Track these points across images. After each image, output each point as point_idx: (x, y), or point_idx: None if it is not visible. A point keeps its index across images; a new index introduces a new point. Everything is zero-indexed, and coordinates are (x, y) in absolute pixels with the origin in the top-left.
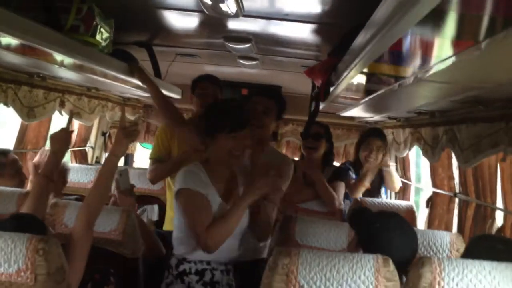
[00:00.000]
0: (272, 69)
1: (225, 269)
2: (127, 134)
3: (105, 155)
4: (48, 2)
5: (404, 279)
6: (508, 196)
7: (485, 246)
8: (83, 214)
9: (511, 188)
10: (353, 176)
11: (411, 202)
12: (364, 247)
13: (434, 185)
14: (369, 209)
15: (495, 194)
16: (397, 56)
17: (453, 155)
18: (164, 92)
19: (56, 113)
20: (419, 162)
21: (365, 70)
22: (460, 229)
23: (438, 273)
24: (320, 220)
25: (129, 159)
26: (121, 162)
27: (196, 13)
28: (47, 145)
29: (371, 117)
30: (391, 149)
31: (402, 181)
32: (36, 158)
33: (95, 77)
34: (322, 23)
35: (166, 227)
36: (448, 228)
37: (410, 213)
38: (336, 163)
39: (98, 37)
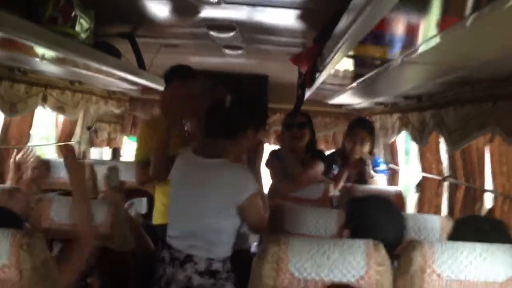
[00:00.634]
0: (258, 58)
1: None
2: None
3: (92, 150)
4: None
5: (395, 263)
6: (497, 178)
7: (472, 227)
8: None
9: (500, 169)
10: (335, 168)
11: (399, 187)
12: (351, 229)
13: (423, 169)
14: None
15: (483, 176)
16: (381, 38)
17: (441, 139)
18: (149, 84)
19: (39, 107)
20: (408, 149)
21: (350, 54)
22: (450, 213)
23: (429, 257)
24: (309, 207)
25: (116, 153)
26: (108, 156)
27: (178, 1)
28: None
29: (359, 103)
30: (379, 136)
31: (391, 167)
32: (19, 156)
33: (77, 70)
34: (306, 8)
35: (156, 220)
36: (437, 212)
37: (399, 198)
38: (327, 151)
39: (77, 28)
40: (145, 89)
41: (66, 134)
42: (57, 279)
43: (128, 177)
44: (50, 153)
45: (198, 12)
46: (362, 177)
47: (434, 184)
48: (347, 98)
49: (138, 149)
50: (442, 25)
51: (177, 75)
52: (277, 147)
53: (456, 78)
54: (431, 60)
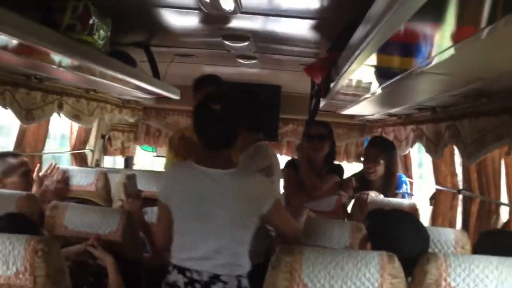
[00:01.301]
0: (271, 68)
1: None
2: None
3: (104, 158)
4: (43, 1)
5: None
6: None
7: (493, 241)
8: None
9: None
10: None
11: (414, 200)
12: (374, 242)
13: (437, 182)
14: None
15: (499, 189)
16: (397, 49)
17: (455, 151)
18: (163, 93)
19: (55, 115)
20: (421, 162)
21: (365, 64)
22: (465, 226)
23: (444, 269)
24: (322, 218)
25: (129, 162)
26: (121, 165)
27: (194, 11)
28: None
29: (372, 114)
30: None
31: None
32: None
33: (92, 78)
34: (320, 18)
35: None
36: (452, 225)
37: (413, 211)
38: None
39: (95, 36)
40: (159, 98)
41: (80, 142)
42: None
43: (141, 186)
44: (65, 161)
45: (212, 22)
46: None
47: (448, 197)
48: (360, 109)
49: (165, 164)
50: (458, 36)
51: (209, 82)
52: (289, 157)
53: (472, 90)
54: (447, 71)
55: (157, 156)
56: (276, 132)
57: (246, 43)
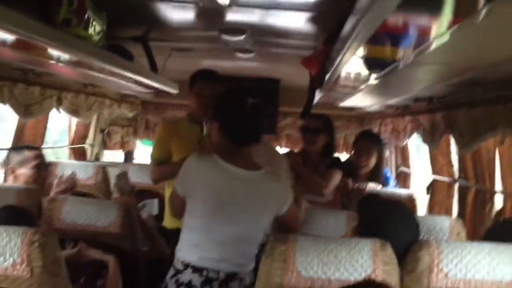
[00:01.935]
0: (270, 62)
1: None
2: None
3: (104, 153)
4: None
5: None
6: (507, 179)
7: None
8: None
9: (509, 171)
10: None
11: (411, 190)
12: (364, 230)
13: (434, 171)
14: (378, 195)
15: (493, 178)
16: (390, 38)
17: (452, 141)
18: (161, 87)
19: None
20: (419, 146)
21: (357, 55)
22: (461, 214)
23: (436, 256)
24: (318, 209)
25: (129, 156)
26: (121, 159)
27: (190, 5)
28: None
29: (370, 106)
30: (391, 139)
31: (403, 170)
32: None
33: (90, 72)
34: (317, 10)
35: (168, 224)
36: (448, 213)
37: (411, 201)
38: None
39: (90, 30)
40: (158, 93)
41: (79, 137)
42: None
43: (141, 179)
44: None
45: (209, 15)
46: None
47: (445, 186)
48: (358, 101)
49: (154, 148)
50: (451, 22)
51: (204, 77)
52: (287, 149)
53: (466, 79)
54: (441, 60)
55: None
56: (275, 125)
57: (243, 37)
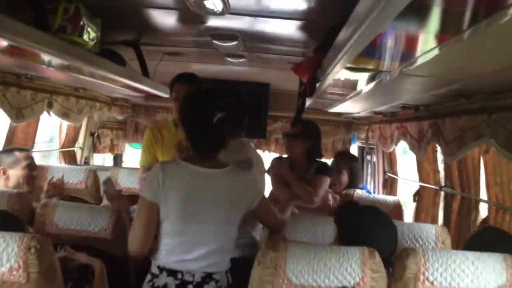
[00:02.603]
0: (260, 67)
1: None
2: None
3: (93, 156)
4: (35, 3)
5: (391, 270)
6: (491, 188)
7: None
8: None
9: (494, 179)
10: None
11: (398, 197)
12: (342, 237)
13: (421, 179)
14: (352, 203)
15: (478, 186)
16: (380, 51)
17: (438, 149)
18: (152, 91)
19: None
20: (405, 149)
21: (350, 65)
22: (446, 222)
23: (422, 264)
24: (307, 215)
25: (118, 160)
26: (110, 163)
27: (182, 11)
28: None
29: (358, 112)
30: (378, 145)
31: (389, 176)
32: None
33: (82, 77)
34: (308, 20)
35: None
36: (434, 221)
37: (397, 207)
38: (326, 160)
39: (85, 37)
40: (148, 96)
41: (69, 140)
42: None
43: (130, 183)
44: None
45: (201, 21)
46: None
47: (431, 194)
48: (347, 107)
49: (142, 154)
50: (439, 39)
51: (179, 79)
52: (276, 154)
53: (452, 90)
54: (428, 72)
55: None
56: (265, 129)
57: (234, 43)
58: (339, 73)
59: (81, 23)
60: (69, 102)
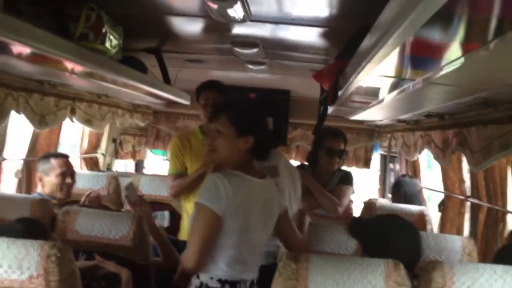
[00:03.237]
0: (280, 74)
1: None
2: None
3: (115, 162)
4: (57, 10)
5: (415, 283)
6: None
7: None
8: None
9: None
10: None
11: (422, 206)
12: (364, 249)
13: (446, 188)
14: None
15: (506, 197)
16: (404, 59)
17: (463, 158)
18: (174, 98)
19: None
20: (430, 162)
21: (373, 73)
22: (472, 233)
23: (449, 278)
24: (330, 225)
25: (139, 166)
26: (131, 169)
27: (204, 19)
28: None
29: (380, 120)
30: (401, 153)
31: None
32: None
33: (105, 84)
34: (329, 26)
35: (182, 236)
36: (459, 231)
37: (422, 217)
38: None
39: (107, 44)
40: (169, 103)
41: (92, 146)
42: None
43: (151, 190)
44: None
45: (223, 28)
46: None
47: (456, 204)
48: (369, 115)
49: (171, 163)
50: (465, 48)
51: (207, 87)
52: (298, 162)
53: (477, 99)
54: (453, 81)
55: (167, 159)
56: (285, 136)
57: (255, 50)
58: (362, 80)
59: (103, 30)
60: (92, 109)
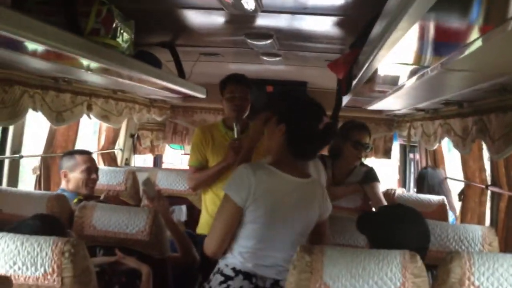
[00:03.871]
0: (296, 65)
1: None
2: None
3: (134, 157)
4: (68, 6)
5: (429, 274)
6: None
7: None
8: None
9: None
10: None
11: (442, 196)
12: (372, 241)
13: (466, 177)
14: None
15: None
16: (417, 44)
17: (484, 146)
18: (189, 92)
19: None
20: (450, 147)
21: (386, 60)
22: (493, 222)
23: (468, 268)
24: (344, 217)
25: (158, 160)
26: (150, 163)
27: (217, 11)
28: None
29: (399, 110)
30: (421, 141)
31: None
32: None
33: (119, 79)
34: (344, 15)
35: (202, 230)
36: (480, 221)
37: (442, 207)
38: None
39: (119, 39)
40: (186, 97)
41: (109, 142)
42: None
43: (169, 184)
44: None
45: (236, 21)
46: None
47: (477, 193)
48: (386, 104)
49: (191, 155)
50: (481, 30)
51: (233, 80)
52: None
53: (495, 85)
54: (469, 67)
55: (185, 154)
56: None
57: (269, 41)
58: (376, 68)
59: (114, 25)
60: (109, 105)
